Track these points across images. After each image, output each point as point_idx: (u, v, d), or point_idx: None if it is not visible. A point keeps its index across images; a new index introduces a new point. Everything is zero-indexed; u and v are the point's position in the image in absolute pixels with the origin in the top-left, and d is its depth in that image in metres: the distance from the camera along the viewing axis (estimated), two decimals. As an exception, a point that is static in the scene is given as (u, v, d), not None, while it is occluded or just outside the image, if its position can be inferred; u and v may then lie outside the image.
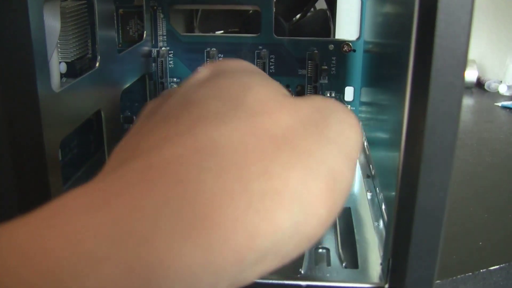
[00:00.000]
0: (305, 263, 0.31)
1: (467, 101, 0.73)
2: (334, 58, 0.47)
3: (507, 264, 0.38)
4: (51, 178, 0.29)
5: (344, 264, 0.31)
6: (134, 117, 0.49)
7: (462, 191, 0.47)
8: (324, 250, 0.33)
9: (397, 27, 0.30)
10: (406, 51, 0.26)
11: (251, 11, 0.51)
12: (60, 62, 0.39)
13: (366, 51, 0.45)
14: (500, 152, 0.56)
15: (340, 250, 0.33)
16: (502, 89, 0.75)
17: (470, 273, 0.37)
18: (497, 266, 0.38)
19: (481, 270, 0.37)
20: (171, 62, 0.48)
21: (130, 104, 0.49)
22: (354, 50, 0.46)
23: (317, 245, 0.33)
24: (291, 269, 0.31)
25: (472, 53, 0.80)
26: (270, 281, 0.30)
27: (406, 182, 0.26)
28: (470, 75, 0.76)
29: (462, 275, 0.37)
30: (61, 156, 0.40)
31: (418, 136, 0.24)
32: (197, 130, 0.20)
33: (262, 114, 0.21)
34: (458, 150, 0.55)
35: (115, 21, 0.47)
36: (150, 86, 0.48)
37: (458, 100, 0.24)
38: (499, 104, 0.70)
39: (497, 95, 0.75)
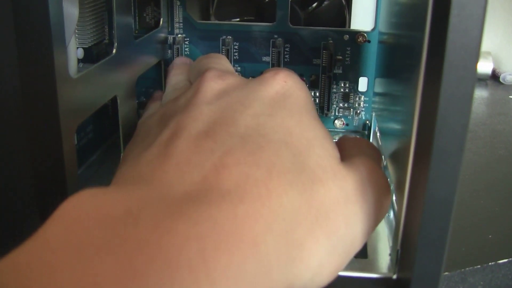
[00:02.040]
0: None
1: (482, 93, 0.73)
2: (348, 48, 0.47)
3: (516, 257, 0.38)
4: (67, 165, 0.29)
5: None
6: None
7: (474, 184, 0.47)
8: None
9: (412, 19, 0.31)
10: (420, 44, 0.26)
11: (266, 0, 0.52)
12: (77, 48, 0.39)
13: (380, 42, 0.45)
14: (513, 145, 0.56)
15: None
16: (518, 82, 0.75)
17: (479, 266, 0.37)
18: (506, 260, 0.38)
19: (490, 263, 0.37)
20: (186, 49, 0.48)
21: (145, 90, 0.49)
22: (369, 41, 0.46)
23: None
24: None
25: (488, 45, 0.80)
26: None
27: (416, 173, 0.27)
28: (485, 67, 0.76)
29: (471, 268, 0.37)
30: (76, 140, 0.41)
31: (429, 128, 0.25)
32: (273, 186, 0.21)
33: (319, 183, 0.24)
34: (471, 142, 0.55)
35: (132, 8, 0.47)
36: (165, 73, 0.49)
37: (470, 94, 0.24)
38: (514, 96, 0.70)
39: (512, 88, 0.75)
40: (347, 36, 0.46)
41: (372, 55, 0.47)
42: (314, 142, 0.26)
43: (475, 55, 0.23)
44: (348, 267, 0.30)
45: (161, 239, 0.17)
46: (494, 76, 0.77)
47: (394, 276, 0.30)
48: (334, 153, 0.26)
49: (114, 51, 0.36)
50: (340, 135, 0.48)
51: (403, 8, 0.34)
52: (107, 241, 0.17)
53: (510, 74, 0.76)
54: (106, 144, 0.45)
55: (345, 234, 0.24)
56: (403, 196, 0.28)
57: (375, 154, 0.31)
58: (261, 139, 0.24)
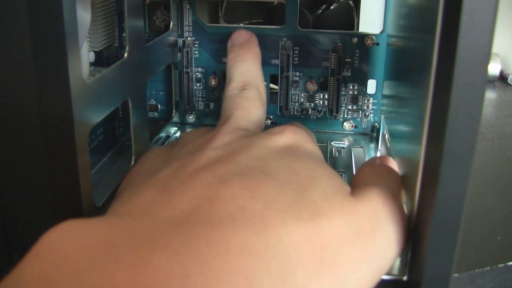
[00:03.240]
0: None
1: (490, 95, 0.73)
2: (357, 51, 0.47)
3: (525, 259, 0.38)
4: (81, 168, 0.30)
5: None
6: (158, 105, 0.50)
7: (482, 186, 0.47)
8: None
9: (422, 23, 0.31)
10: (430, 48, 0.26)
11: (275, 3, 0.52)
12: (89, 51, 0.40)
13: (389, 45, 0.45)
14: (521, 147, 0.56)
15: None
16: (525, 83, 0.75)
17: (488, 268, 0.37)
18: (515, 261, 0.38)
19: (499, 265, 0.37)
20: (196, 52, 0.49)
21: (155, 93, 0.50)
22: (378, 44, 0.47)
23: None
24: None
25: (495, 47, 0.80)
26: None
27: (427, 176, 0.27)
28: (493, 68, 0.76)
29: (480, 270, 0.37)
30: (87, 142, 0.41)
31: (440, 132, 0.25)
32: (271, 220, 0.20)
33: (325, 217, 0.22)
34: (479, 144, 0.55)
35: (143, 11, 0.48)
36: (175, 76, 0.49)
37: (480, 99, 0.24)
38: (522, 98, 0.70)
39: (520, 89, 0.75)
40: (356, 39, 0.47)
41: (380, 57, 0.47)
42: (321, 179, 0.24)
43: (485, 61, 0.24)
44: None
45: (142, 277, 0.16)
46: (502, 78, 0.77)
47: (405, 278, 0.30)
48: (342, 188, 0.25)
49: (125, 54, 0.37)
50: (349, 137, 0.49)
51: (412, 11, 0.35)
52: (88, 283, 0.17)
53: (518, 76, 0.76)
54: (116, 146, 0.46)
55: (354, 280, 0.22)
56: (413, 198, 0.28)
57: (394, 182, 0.29)
58: (263, 177, 0.22)
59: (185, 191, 0.21)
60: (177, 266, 0.17)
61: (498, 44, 0.80)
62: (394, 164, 0.32)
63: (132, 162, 0.39)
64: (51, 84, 0.28)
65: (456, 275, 0.37)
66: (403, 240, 0.26)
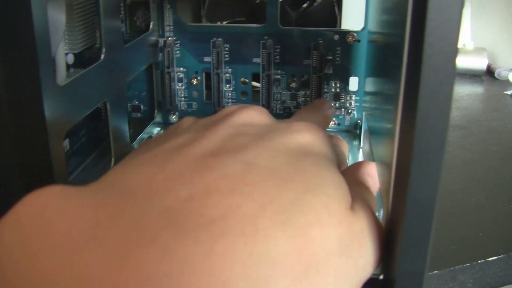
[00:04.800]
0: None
1: (477, 89, 0.73)
2: (339, 48, 0.47)
3: (505, 255, 0.38)
4: (56, 171, 0.30)
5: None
6: (141, 106, 0.50)
7: (466, 181, 0.47)
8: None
9: (395, 19, 0.31)
10: (402, 45, 0.26)
11: (258, 1, 0.52)
12: (67, 54, 0.40)
13: (370, 41, 0.45)
14: (507, 141, 0.56)
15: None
16: (512, 77, 0.75)
17: (468, 264, 0.37)
18: (496, 257, 0.38)
19: (479, 261, 0.38)
20: (177, 51, 0.48)
21: (138, 94, 0.50)
22: (359, 41, 0.46)
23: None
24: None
25: (483, 41, 0.80)
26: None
27: (399, 174, 0.27)
28: (480, 63, 0.76)
29: (460, 266, 0.37)
30: (69, 145, 0.41)
31: (410, 129, 0.25)
32: (262, 224, 0.19)
33: (319, 227, 0.21)
34: (464, 139, 0.56)
35: (123, 12, 0.48)
36: (157, 76, 0.49)
37: (449, 96, 0.24)
38: (509, 92, 0.70)
39: (507, 83, 0.75)
40: (337, 36, 0.47)
41: (362, 54, 0.47)
42: (328, 184, 0.24)
43: (453, 58, 0.23)
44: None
45: (122, 271, 0.16)
46: (489, 72, 0.77)
47: (381, 277, 0.30)
48: (346, 198, 0.24)
49: (102, 56, 0.37)
50: (332, 135, 0.49)
51: (389, 7, 0.35)
52: (66, 263, 0.17)
53: (505, 70, 0.76)
54: (100, 147, 0.46)
55: None
56: (388, 197, 0.28)
57: (372, 199, 0.29)
58: (267, 172, 0.22)
59: (185, 174, 0.21)
60: (160, 265, 0.17)
61: (485, 39, 0.80)
62: (373, 169, 0.32)
63: (112, 164, 0.39)
64: (22, 88, 0.28)
65: (436, 272, 0.37)
66: (380, 256, 0.26)
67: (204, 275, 0.17)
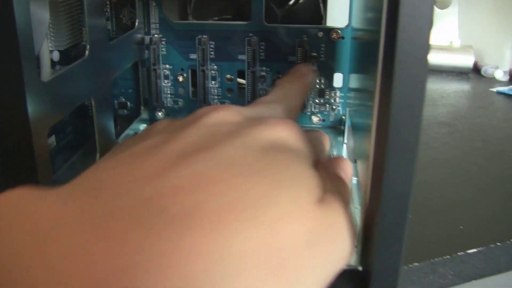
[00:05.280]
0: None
1: (463, 87, 0.74)
2: (323, 45, 0.47)
3: (485, 247, 0.39)
4: (40, 167, 0.30)
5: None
6: (128, 103, 0.51)
7: (449, 177, 0.48)
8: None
9: (374, 15, 0.31)
10: (378, 40, 0.27)
11: (243, -1, 0.52)
12: (53, 51, 0.40)
13: (353, 38, 0.46)
14: (491, 138, 0.57)
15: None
16: (498, 75, 0.75)
17: (448, 256, 0.38)
18: (475, 249, 0.39)
19: (459, 253, 0.38)
20: (163, 49, 0.49)
21: (124, 91, 0.50)
22: (343, 37, 0.47)
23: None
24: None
25: (469, 39, 0.80)
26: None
27: (376, 168, 0.27)
28: (467, 60, 0.77)
29: (441, 258, 0.38)
30: (55, 141, 0.42)
31: (385, 124, 0.25)
32: (227, 221, 0.19)
33: (288, 222, 0.21)
34: (449, 136, 0.56)
35: (109, 9, 0.48)
36: (143, 73, 0.49)
37: (421, 92, 0.25)
38: (494, 89, 0.71)
39: (493, 81, 0.75)
40: (321, 33, 0.47)
41: (346, 51, 0.47)
42: (298, 177, 0.24)
43: (425, 54, 0.24)
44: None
45: (84, 267, 0.16)
46: (476, 69, 0.78)
47: (360, 268, 0.31)
48: (316, 191, 0.24)
49: (87, 53, 0.37)
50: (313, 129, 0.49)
51: (369, 3, 0.35)
52: (24, 257, 0.17)
53: (491, 67, 0.76)
54: (87, 144, 0.46)
55: (301, 284, 0.22)
56: (366, 192, 0.29)
57: (347, 191, 0.29)
58: (236, 168, 0.22)
59: (154, 172, 0.21)
60: (123, 260, 0.17)
61: (472, 36, 0.81)
62: (347, 164, 0.32)
63: (97, 160, 0.40)
64: (4, 85, 0.28)
65: (416, 264, 0.37)
66: (352, 249, 0.26)
67: (168, 270, 0.17)
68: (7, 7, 0.27)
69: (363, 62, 0.37)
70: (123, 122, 0.49)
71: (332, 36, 0.47)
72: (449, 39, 0.80)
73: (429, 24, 0.24)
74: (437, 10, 0.81)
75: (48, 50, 0.37)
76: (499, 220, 0.41)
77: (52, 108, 0.32)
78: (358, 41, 0.42)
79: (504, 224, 0.41)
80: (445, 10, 0.81)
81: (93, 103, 0.38)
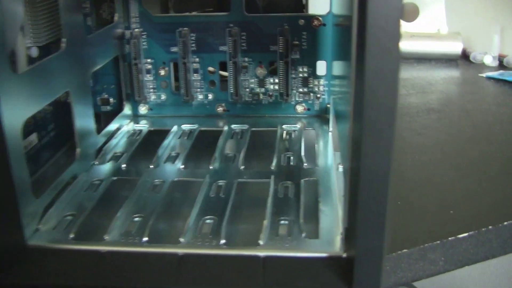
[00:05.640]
0: (264, 235, 0.32)
1: (452, 73, 0.73)
2: (304, 33, 0.47)
3: (476, 231, 0.38)
4: (12, 157, 0.29)
5: (304, 235, 0.32)
6: (110, 99, 0.50)
7: (438, 161, 0.47)
8: (286, 222, 0.34)
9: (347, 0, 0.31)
10: (351, 25, 0.26)
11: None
12: (31, 47, 0.39)
13: (335, 25, 0.45)
14: (480, 122, 0.56)
15: (302, 221, 0.33)
16: (487, 60, 0.75)
17: (439, 242, 0.37)
18: (466, 234, 0.38)
19: (450, 238, 0.38)
20: (144, 43, 0.48)
21: (107, 87, 0.50)
22: (324, 24, 0.46)
23: (279, 217, 0.34)
24: (250, 240, 0.31)
25: (458, 26, 0.80)
26: (227, 252, 0.30)
27: (355, 152, 0.27)
28: (455, 47, 0.76)
29: (431, 244, 0.37)
30: (37, 139, 0.41)
31: (360, 106, 0.25)
32: None
33: None
34: (438, 121, 0.56)
35: (89, 5, 0.47)
36: (124, 68, 0.49)
37: (395, 75, 0.24)
38: (484, 75, 0.70)
39: (482, 66, 0.75)
40: (303, 20, 0.47)
41: (328, 38, 0.47)
42: None
43: (397, 33, 0.24)
44: (299, 248, 0.31)
45: None
46: (465, 56, 0.78)
47: (344, 255, 0.30)
48: None
49: (63, 46, 0.37)
50: (302, 120, 0.49)
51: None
52: None
53: (480, 53, 0.76)
54: (70, 142, 0.45)
55: None
56: (348, 177, 0.29)
57: None
58: None
59: None
60: None
61: (460, 23, 0.81)
62: None
63: (77, 154, 0.39)
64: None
65: (406, 250, 0.37)
66: None
67: None
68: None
69: (342, 48, 0.37)
70: (107, 118, 0.49)
71: (314, 24, 0.47)
72: (436, 27, 0.80)
73: (398, 5, 0.23)
74: (424, -1, 0.80)
75: (24, 45, 0.37)
76: (490, 203, 0.41)
77: (26, 100, 0.32)
78: (339, 28, 0.42)
79: (496, 207, 0.40)
80: (432, -2, 0.80)
81: (71, 96, 0.38)
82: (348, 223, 0.29)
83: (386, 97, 0.24)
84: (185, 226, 0.33)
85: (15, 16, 0.34)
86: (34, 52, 0.41)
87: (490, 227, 0.39)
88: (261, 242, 0.31)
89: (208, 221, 0.34)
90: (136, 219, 0.34)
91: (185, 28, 0.47)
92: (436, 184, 0.43)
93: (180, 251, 0.31)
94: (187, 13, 0.50)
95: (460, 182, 0.43)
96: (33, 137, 0.41)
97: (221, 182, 0.38)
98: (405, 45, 0.77)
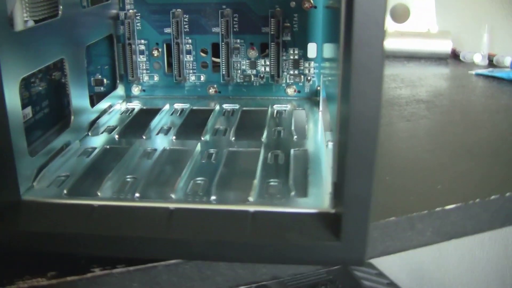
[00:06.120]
0: (254, 193, 0.32)
1: (442, 70, 0.74)
2: (296, 15, 0.48)
3: (463, 203, 0.39)
4: (10, 113, 0.30)
5: (293, 193, 0.32)
6: (104, 79, 0.51)
7: (428, 145, 0.48)
8: (275, 183, 0.34)
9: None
10: (340, 7, 0.27)
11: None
12: (27, 21, 0.40)
13: (326, 7, 0.46)
14: (470, 111, 0.57)
15: (291, 183, 0.34)
16: (477, 59, 0.76)
17: (426, 211, 0.38)
18: (453, 205, 0.39)
19: (437, 209, 0.38)
20: (138, 24, 0.49)
21: (101, 67, 0.50)
22: (315, 7, 0.47)
23: (269, 179, 0.35)
24: (240, 197, 0.32)
25: (447, 25, 0.81)
26: (217, 207, 0.31)
27: (342, 119, 0.28)
28: (445, 46, 0.77)
29: (418, 213, 0.37)
30: (31, 113, 0.42)
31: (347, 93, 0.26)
32: None
33: None
34: (428, 110, 0.57)
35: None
36: (118, 49, 0.50)
37: (380, 53, 0.25)
38: (473, 72, 0.71)
39: (472, 65, 0.76)
40: (294, 3, 0.48)
41: (318, 20, 0.48)
42: None
43: (382, 22, 0.24)
44: (288, 205, 0.31)
45: None
46: (455, 56, 0.79)
47: (333, 211, 0.31)
48: None
49: (59, 13, 0.38)
50: (293, 102, 0.49)
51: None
52: None
53: (470, 52, 0.77)
54: (63, 121, 0.46)
55: None
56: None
57: None
58: None
59: None
60: None
61: (450, 22, 0.82)
62: None
63: (71, 122, 0.40)
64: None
65: (394, 218, 0.37)
66: None
67: None
68: None
69: (331, 30, 0.38)
70: (100, 99, 0.49)
71: (305, 6, 0.47)
72: (426, 26, 0.81)
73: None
74: None
75: (21, 8, 0.38)
76: (478, 180, 0.41)
77: (23, 58, 0.32)
78: (329, 10, 0.43)
79: (484, 184, 0.41)
80: None
81: (66, 64, 0.38)
82: (337, 178, 0.30)
83: (372, 75, 0.25)
84: (175, 185, 0.33)
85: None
86: (31, 25, 0.41)
87: (477, 200, 0.40)
88: (250, 199, 0.32)
89: (198, 181, 0.34)
90: (128, 179, 0.35)
91: (178, 9, 0.48)
92: (424, 164, 0.44)
93: (171, 205, 0.31)
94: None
95: (448, 162, 0.44)
96: (28, 111, 0.42)
97: (212, 151, 0.39)
98: (395, 44, 0.78)
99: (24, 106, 0.40)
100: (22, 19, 0.38)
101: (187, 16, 0.48)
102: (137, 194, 0.32)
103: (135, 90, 0.51)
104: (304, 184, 0.34)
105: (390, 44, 0.78)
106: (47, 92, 0.43)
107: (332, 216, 0.31)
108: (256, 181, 0.33)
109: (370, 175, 0.27)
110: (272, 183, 0.34)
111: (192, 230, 0.29)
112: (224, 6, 0.48)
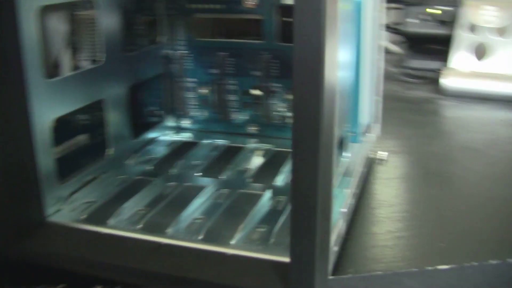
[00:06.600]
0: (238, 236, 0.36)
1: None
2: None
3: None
4: (38, 148, 0.37)
5: (272, 241, 0.36)
6: (156, 111, 0.56)
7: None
8: (263, 228, 0.38)
9: None
10: None
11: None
12: (82, 60, 0.47)
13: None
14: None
15: (276, 230, 0.37)
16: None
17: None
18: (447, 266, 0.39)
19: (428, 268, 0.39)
20: (186, 63, 0.55)
21: (152, 100, 0.56)
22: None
23: (260, 224, 0.39)
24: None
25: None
26: (200, 247, 0.35)
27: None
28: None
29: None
30: (73, 144, 0.48)
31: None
32: None
33: None
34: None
35: (137, 27, 0.54)
36: (170, 85, 0.56)
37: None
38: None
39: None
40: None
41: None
42: None
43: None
44: (260, 251, 0.34)
45: None
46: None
47: (288, 260, 0.32)
48: None
49: (102, 61, 0.44)
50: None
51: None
52: None
53: None
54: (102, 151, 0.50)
55: None
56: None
57: None
58: None
59: None
60: None
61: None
62: None
63: (107, 154, 0.46)
64: (11, 83, 0.35)
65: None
66: None
67: None
68: (11, 20, 0.34)
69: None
70: (148, 130, 0.55)
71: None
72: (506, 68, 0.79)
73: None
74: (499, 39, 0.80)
75: (68, 57, 0.44)
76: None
77: (57, 102, 0.39)
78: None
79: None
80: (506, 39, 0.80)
81: (104, 103, 0.45)
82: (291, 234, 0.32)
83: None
84: (174, 221, 0.38)
85: (57, 31, 0.42)
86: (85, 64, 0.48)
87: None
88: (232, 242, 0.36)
89: (197, 220, 0.39)
90: (141, 211, 0.41)
91: (221, 52, 0.53)
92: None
93: (163, 240, 0.36)
94: (226, 39, 0.55)
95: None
96: (82, 137, 0.48)
97: (224, 191, 0.44)
98: (470, 84, 0.78)
99: (65, 138, 0.47)
100: (68, 68, 0.44)
101: (232, 60, 0.53)
102: (139, 226, 0.38)
103: (183, 123, 0.56)
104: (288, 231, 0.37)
105: (466, 84, 0.78)
106: (88, 125, 0.49)
107: (286, 266, 0.32)
108: (242, 226, 0.37)
109: (313, 232, 0.30)
110: (259, 229, 0.38)
111: (173, 265, 0.34)
112: (264, 52, 0.52)
